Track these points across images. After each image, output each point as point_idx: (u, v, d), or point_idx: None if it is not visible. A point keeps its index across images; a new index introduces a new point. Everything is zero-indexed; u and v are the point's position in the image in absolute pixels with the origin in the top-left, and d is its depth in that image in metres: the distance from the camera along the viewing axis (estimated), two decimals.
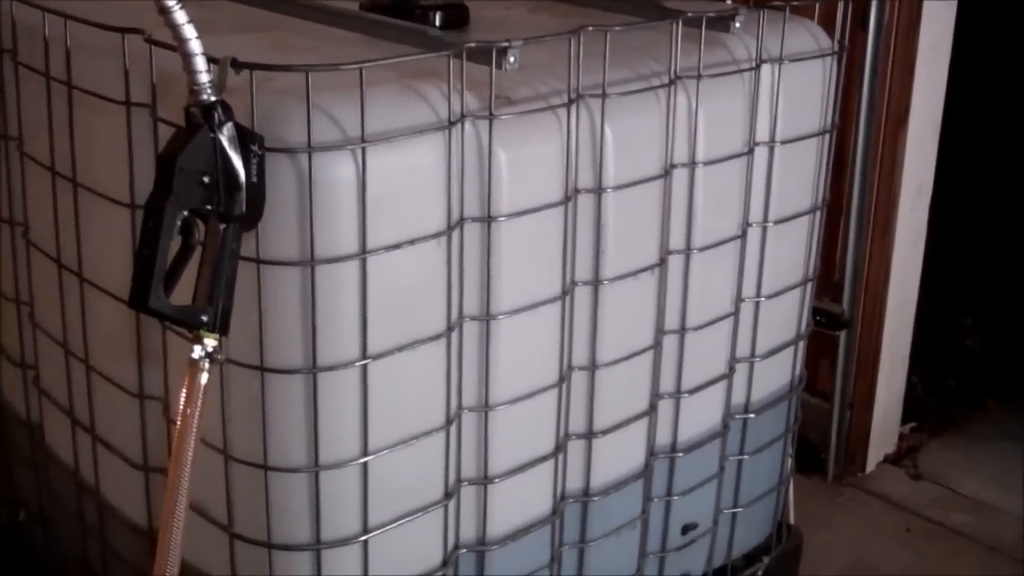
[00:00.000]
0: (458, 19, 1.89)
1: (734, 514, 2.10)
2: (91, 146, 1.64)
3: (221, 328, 1.28)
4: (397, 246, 1.44)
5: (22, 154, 1.84)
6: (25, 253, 1.90)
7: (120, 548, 1.79)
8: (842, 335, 2.69)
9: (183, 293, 1.30)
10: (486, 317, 1.56)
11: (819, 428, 2.78)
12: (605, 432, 1.78)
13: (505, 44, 1.47)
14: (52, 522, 2.03)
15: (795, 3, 1.95)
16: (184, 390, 1.28)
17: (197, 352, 1.27)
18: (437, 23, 1.85)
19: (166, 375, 1.59)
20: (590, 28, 1.56)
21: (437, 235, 1.47)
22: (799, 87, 1.93)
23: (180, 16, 1.23)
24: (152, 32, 1.44)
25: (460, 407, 1.59)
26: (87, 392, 1.77)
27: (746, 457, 2.08)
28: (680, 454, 1.93)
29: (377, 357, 1.46)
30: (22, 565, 2.14)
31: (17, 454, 2.12)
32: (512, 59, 1.47)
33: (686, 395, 1.90)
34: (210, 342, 1.28)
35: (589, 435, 1.77)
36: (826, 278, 2.56)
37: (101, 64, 1.57)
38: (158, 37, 1.41)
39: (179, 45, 1.24)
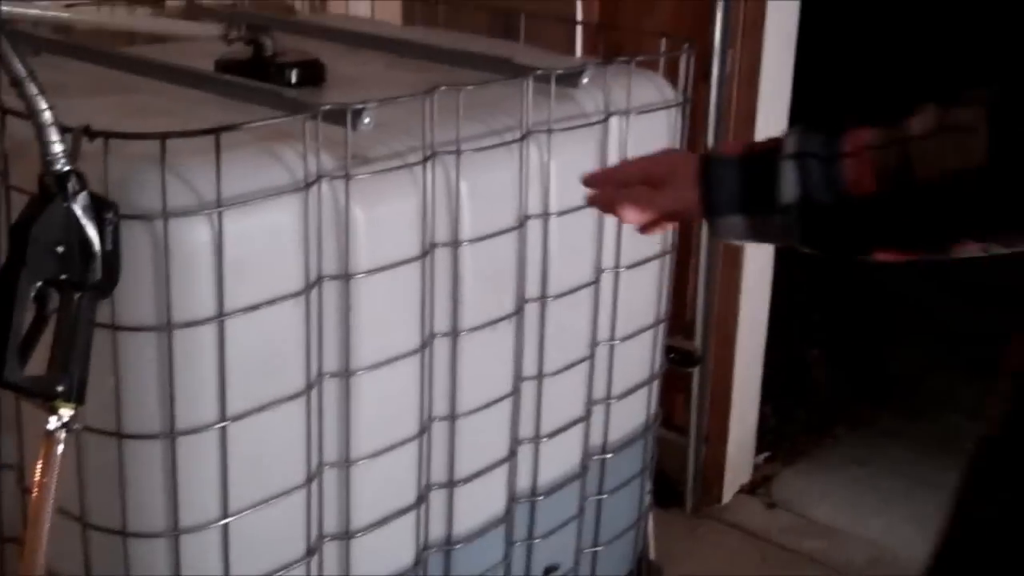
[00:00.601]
0: (314, 76, 1.92)
1: (595, 553, 2.15)
2: None
3: (77, 398, 1.28)
4: (255, 307, 1.45)
5: None
6: None
7: None
8: (696, 371, 2.78)
9: (39, 362, 1.30)
10: (346, 374, 1.59)
11: (676, 462, 2.86)
12: (466, 480, 1.82)
13: (360, 106, 1.50)
14: None
15: (640, 58, 2.02)
16: (40, 461, 1.27)
17: (53, 423, 1.27)
18: (293, 81, 1.87)
19: (21, 444, 1.57)
20: (443, 88, 1.60)
21: (295, 295, 1.49)
22: (646, 137, 2.00)
23: (32, 87, 1.23)
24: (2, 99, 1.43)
25: (321, 463, 1.61)
26: None
27: (605, 496, 2.14)
28: (540, 497, 1.98)
29: (236, 419, 1.47)
30: None
31: None
32: (367, 120, 1.50)
33: (545, 439, 1.94)
34: (66, 412, 1.27)
35: (451, 484, 1.80)
36: (679, 317, 2.64)
37: None
38: (8, 103, 1.40)
39: (32, 116, 1.25)
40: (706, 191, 1.12)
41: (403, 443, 1.70)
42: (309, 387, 1.54)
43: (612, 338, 2.04)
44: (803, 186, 1.06)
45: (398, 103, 1.59)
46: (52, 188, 1.26)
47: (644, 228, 1.21)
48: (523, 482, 1.96)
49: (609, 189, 1.24)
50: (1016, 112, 1.00)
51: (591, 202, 1.27)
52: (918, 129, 1.03)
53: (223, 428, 1.46)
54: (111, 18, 2.20)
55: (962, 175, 1.00)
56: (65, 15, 2.14)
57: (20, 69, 1.22)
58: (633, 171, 1.24)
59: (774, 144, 1.10)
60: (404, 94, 1.58)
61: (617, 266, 2.01)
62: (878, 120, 1.06)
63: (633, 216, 1.20)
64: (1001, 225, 1.03)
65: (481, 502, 1.88)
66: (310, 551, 1.62)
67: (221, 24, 1.93)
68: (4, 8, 1.98)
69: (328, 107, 1.49)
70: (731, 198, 1.11)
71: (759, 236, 1.14)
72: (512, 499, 1.94)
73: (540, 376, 1.91)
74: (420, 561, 1.79)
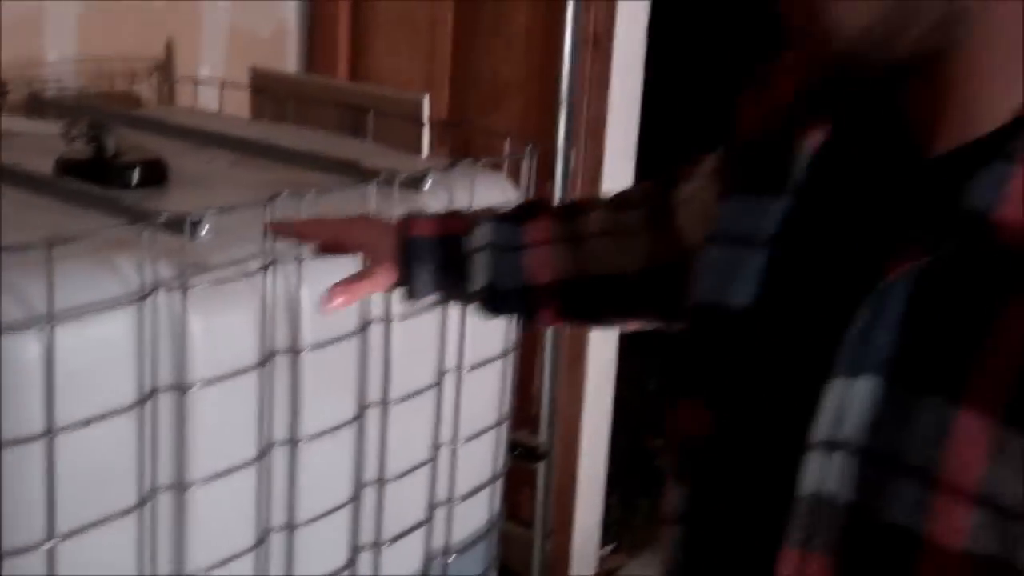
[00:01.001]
0: (157, 176, 1.90)
1: None
2: None
3: None
4: (87, 423, 1.42)
5: None
6: None
7: None
8: (541, 465, 2.81)
9: None
10: (180, 487, 1.56)
11: (522, 556, 2.87)
12: None
13: (197, 217, 1.50)
14: None
15: (484, 160, 2.07)
16: None
17: None
18: (135, 182, 1.86)
19: None
20: (285, 194, 1.61)
21: (129, 408, 1.46)
22: None
23: None
24: None
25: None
26: None
27: None
28: None
29: (66, 537, 1.43)
30: None
31: None
32: (204, 231, 1.50)
33: (386, 544, 1.94)
34: None
35: None
36: (524, 411, 2.66)
37: None
38: None
39: None
40: (407, 275, 1.19)
41: (240, 555, 1.67)
42: (142, 502, 1.51)
43: (454, 439, 2.05)
44: (490, 275, 1.16)
45: (235, 211, 1.59)
46: None
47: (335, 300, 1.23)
48: None
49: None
50: (662, 215, 1.11)
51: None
52: (594, 227, 1.14)
53: (51, 549, 1.42)
54: None
55: (624, 276, 1.13)
56: None
57: None
58: (327, 232, 1.29)
59: (466, 228, 1.18)
60: (245, 202, 1.58)
61: (460, 367, 2.03)
62: (562, 213, 1.16)
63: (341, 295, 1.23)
64: (658, 315, 1.15)
65: None
66: None
67: (61, 121, 1.90)
68: None
69: (164, 218, 1.48)
70: (428, 279, 1.19)
71: (445, 303, 1.29)
72: None
73: (381, 481, 1.91)
74: None
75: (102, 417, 1.44)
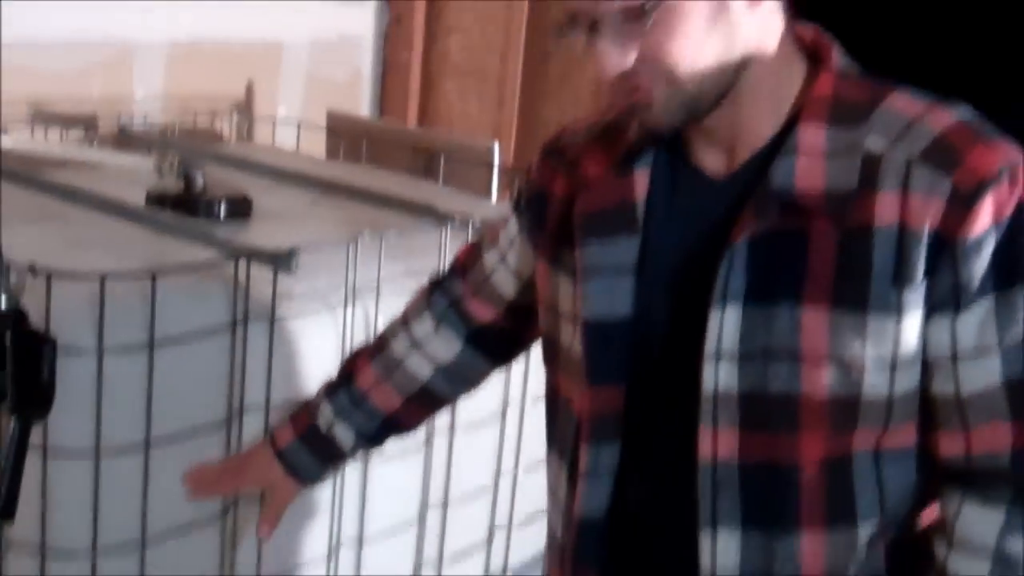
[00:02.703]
0: (242, 211, 2.03)
1: None
2: None
3: (5, 513, 1.34)
4: (179, 438, 1.54)
5: None
6: None
7: None
8: None
9: None
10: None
11: None
12: None
13: (289, 251, 1.61)
14: None
15: None
16: None
17: None
18: (222, 215, 1.98)
19: None
20: (366, 233, 1.73)
21: (217, 425, 1.58)
22: None
23: None
24: None
25: None
26: None
27: None
28: None
29: (154, 544, 1.54)
30: None
31: None
32: (294, 264, 1.61)
33: (448, 562, 2.03)
34: None
35: None
36: None
37: None
38: None
39: None
40: (296, 475, 1.38)
41: (313, 563, 1.78)
42: (225, 511, 1.62)
43: (516, 467, 2.14)
44: (354, 431, 1.36)
45: (323, 248, 1.71)
46: None
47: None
48: None
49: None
50: (462, 298, 1.35)
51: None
52: (400, 351, 1.36)
53: (142, 551, 1.54)
54: (45, 144, 2.30)
55: (453, 362, 1.36)
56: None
57: None
58: (232, 486, 1.48)
59: (312, 417, 1.37)
60: (330, 237, 1.70)
61: (524, 398, 2.13)
62: (374, 353, 1.38)
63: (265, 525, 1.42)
64: (498, 360, 1.40)
65: None
66: None
67: (152, 156, 2.04)
68: None
69: (258, 250, 1.60)
70: (316, 469, 1.39)
71: (341, 467, 1.44)
72: None
73: (445, 504, 2.00)
74: None
75: (193, 434, 1.55)
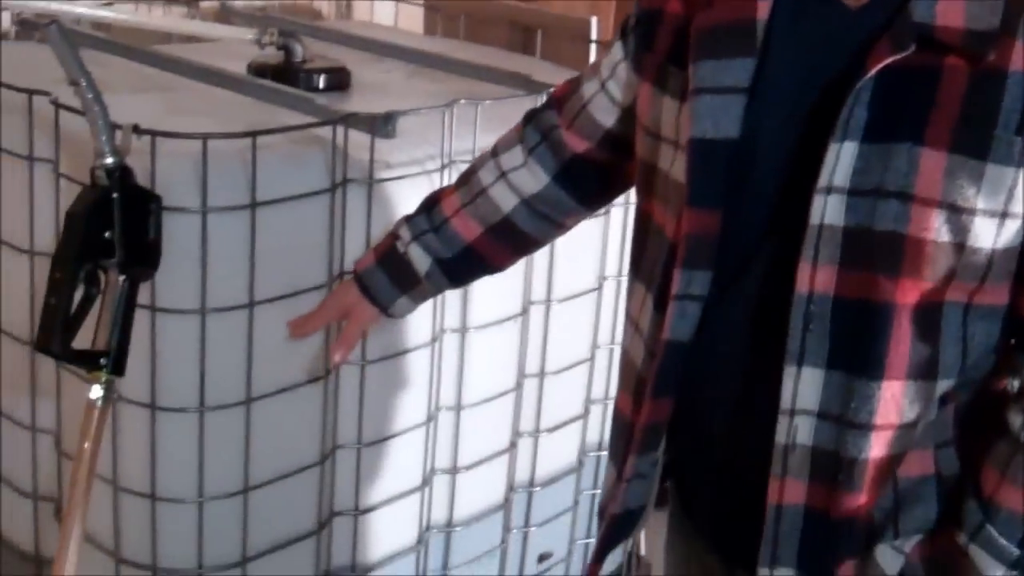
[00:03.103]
0: (340, 82, 2.04)
1: (587, 544, 2.27)
2: None
3: (116, 370, 1.40)
4: (282, 297, 1.58)
5: None
6: None
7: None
8: None
9: (85, 338, 1.42)
10: (362, 362, 1.71)
11: None
12: (468, 467, 1.94)
13: (387, 114, 1.62)
14: None
15: None
16: (82, 428, 1.39)
17: (95, 392, 1.39)
18: (321, 86, 2.00)
19: (59, 411, 1.70)
20: (463, 101, 1.73)
21: (319, 287, 1.61)
22: None
23: (90, 89, 1.35)
24: (58, 94, 1.55)
25: (335, 445, 1.73)
26: None
27: (599, 491, 2.25)
28: (538, 488, 2.09)
29: (259, 398, 1.59)
30: None
31: None
32: (391, 128, 1.62)
33: (544, 434, 2.06)
34: (107, 382, 1.39)
35: (454, 470, 1.92)
36: None
37: (9, 120, 1.67)
38: (63, 99, 1.53)
39: (87, 114, 1.37)
40: (372, 299, 1.44)
41: (412, 429, 1.82)
42: (327, 372, 1.66)
43: (612, 341, 2.15)
44: (430, 255, 1.40)
45: (419, 112, 1.72)
46: (102, 180, 1.39)
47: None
48: (522, 474, 2.08)
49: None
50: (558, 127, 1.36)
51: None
52: (486, 181, 1.39)
53: (248, 406, 1.58)
54: (149, 18, 2.33)
55: (535, 196, 1.37)
56: (104, 13, 2.27)
57: (79, 71, 1.34)
58: (324, 320, 1.55)
59: (392, 240, 1.42)
60: (427, 105, 1.70)
61: (620, 275, 2.13)
62: (460, 184, 1.42)
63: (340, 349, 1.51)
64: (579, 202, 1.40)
65: (482, 489, 2.00)
66: (321, 525, 1.74)
67: (254, 29, 2.05)
68: (44, 4, 2.11)
69: (357, 114, 1.61)
70: (389, 293, 1.43)
71: (421, 301, 1.48)
72: (511, 488, 2.05)
73: (542, 374, 2.03)
74: (422, 540, 1.91)
75: (295, 294, 1.58)
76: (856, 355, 1.05)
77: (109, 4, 2.37)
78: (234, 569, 1.65)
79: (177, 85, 1.91)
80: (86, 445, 1.39)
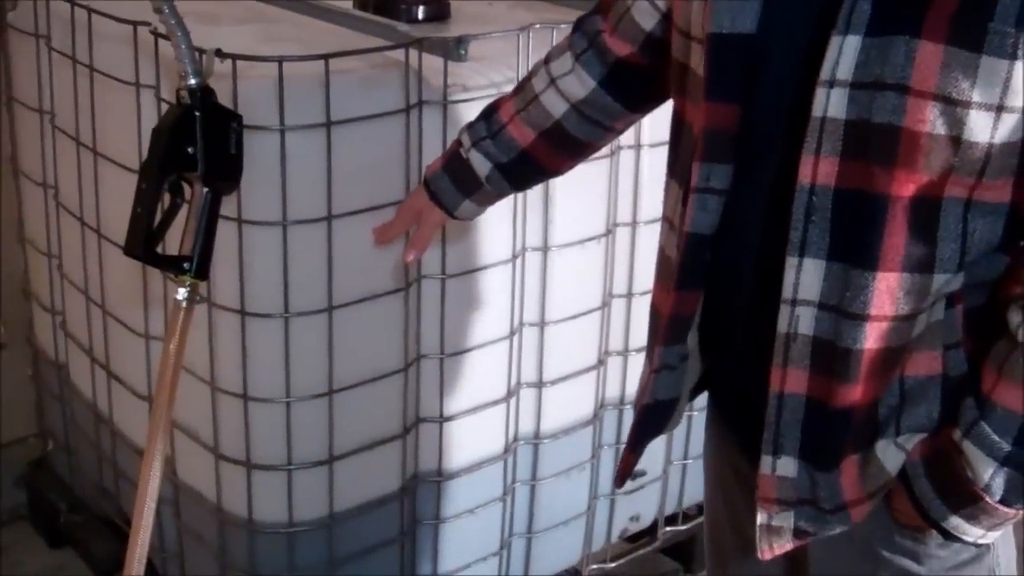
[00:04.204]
0: (440, 13, 2.12)
1: (684, 465, 2.32)
2: (108, 120, 1.90)
3: (200, 274, 1.52)
4: (360, 212, 1.68)
5: (53, 127, 2.09)
6: (55, 213, 2.16)
7: (129, 470, 2.05)
8: None
9: (173, 245, 1.55)
10: (442, 276, 1.80)
11: None
12: (554, 382, 2.01)
13: (459, 38, 1.70)
14: (75, 451, 2.30)
15: None
16: (169, 326, 1.52)
17: (181, 293, 1.51)
18: (420, 17, 2.08)
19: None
20: (537, 25, 1.79)
21: (396, 203, 1.70)
22: None
23: (172, 16, 1.46)
24: (159, 25, 1.67)
25: (419, 354, 1.83)
26: (103, 333, 2.04)
27: (696, 413, 2.29)
28: (628, 406, 2.15)
29: (340, 307, 1.70)
30: (51, 490, 2.41)
31: (47, 392, 2.39)
32: (463, 51, 1.70)
33: (633, 353, 2.12)
34: (191, 285, 1.51)
35: (539, 384, 2.00)
36: None
37: (118, 50, 1.82)
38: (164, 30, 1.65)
39: (172, 39, 1.48)
40: (438, 202, 1.53)
41: (495, 342, 1.90)
42: (408, 285, 1.76)
43: None
44: (490, 160, 1.47)
45: (504, 37, 1.78)
46: (186, 99, 1.50)
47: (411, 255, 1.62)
48: (613, 391, 2.14)
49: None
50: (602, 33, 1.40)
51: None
52: (538, 87, 1.44)
53: (330, 313, 1.70)
54: None
55: (584, 100, 1.42)
56: None
57: (160, 1, 1.45)
58: (401, 225, 1.63)
59: (456, 147, 1.50)
60: (500, 29, 1.77)
61: None
62: (516, 92, 1.48)
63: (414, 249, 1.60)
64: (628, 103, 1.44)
65: (571, 405, 2.08)
66: (406, 429, 1.84)
67: None
68: None
69: (429, 38, 1.69)
70: (453, 195, 1.51)
71: (487, 204, 1.55)
72: (601, 405, 2.12)
73: (630, 295, 2.08)
74: (509, 450, 2.00)
75: (373, 209, 1.68)
76: (854, 246, 1.08)
77: None
78: (322, 466, 1.77)
79: (279, 17, 2.03)
80: (172, 344, 1.51)
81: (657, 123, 1.98)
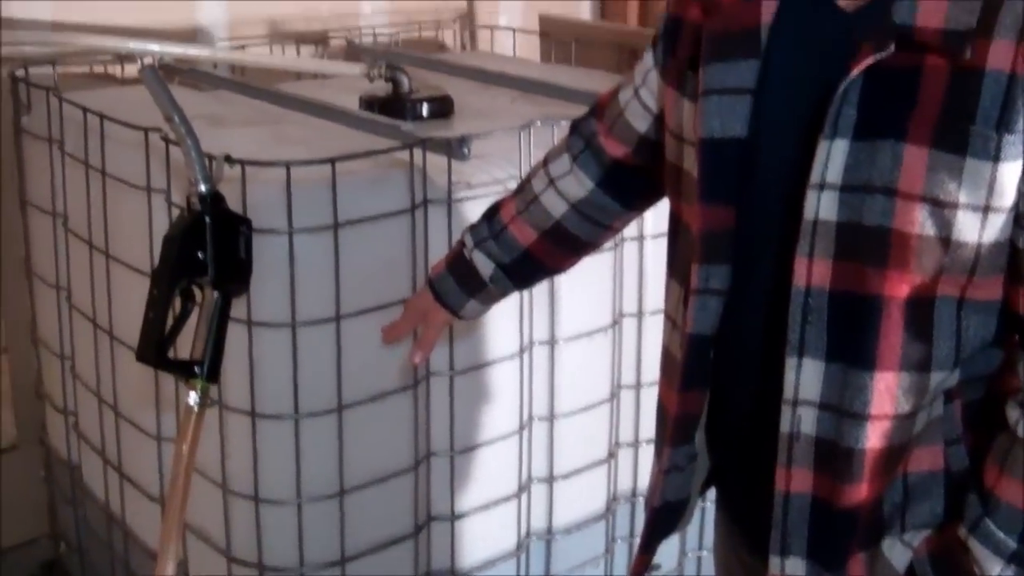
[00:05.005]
0: (444, 110, 2.16)
1: (699, 557, 2.30)
2: (120, 223, 1.92)
3: (211, 377, 1.53)
4: (368, 311, 1.69)
5: (66, 229, 2.12)
6: (68, 314, 2.18)
7: (141, 573, 2.05)
8: None
9: (184, 349, 1.57)
10: (450, 373, 1.81)
11: None
12: (566, 476, 2.01)
13: (461, 137, 1.72)
14: (87, 552, 2.30)
15: None
16: (180, 430, 1.53)
17: (192, 398, 1.53)
18: (425, 114, 2.12)
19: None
20: (538, 122, 1.81)
21: (403, 301, 1.71)
22: None
23: (182, 125, 1.49)
24: (169, 132, 1.70)
25: (429, 451, 1.83)
26: (116, 434, 2.04)
27: (709, 504, 2.28)
28: (641, 498, 2.14)
29: (350, 406, 1.71)
30: None
31: (59, 493, 2.39)
32: (466, 151, 1.72)
33: (644, 444, 2.12)
34: (202, 389, 1.53)
35: (551, 479, 2.00)
36: None
37: (130, 155, 1.85)
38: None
39: (182, 147, 1.51)
40: (443, 303, 1.53)
41: (505, 437, 1.91)
42: (417, 382, 1.77)
43: None
44: (492, 260, 1.48)
45: (504, 135, 1.81)
46: (197, 205, 1.53)
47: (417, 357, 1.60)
48: (624, 484, 2.13)
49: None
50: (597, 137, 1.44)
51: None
52: (538, 188, 1.47)
53: (339, 413, 1.70)
54: (273, 59, 2.50)
55: (582, 200, 1.44)
56: (236, 56, 2.45)
57: (172, 108, 1.49)
58: (408, 325, 1.61)
59: (459, 247, 1.52)
60: (502, 127, 1.80)
61: None
62: (517, 193, 1.50)
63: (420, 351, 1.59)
64: (624, 202, 1.47)
65: (583, 499, 2.07)
66: (418, 528, 1.84)
67: (363, 65, 2.19)
68: (183, 50, 2.30)
69: (432, 138, 1.72)
70: (458, 296, 1.52)
71: (491, 303, 1.55)
72: (613, 498, 2.11)
73: (638, 385, 2.08)
74: (522, 546, 1.99)
75: (380, 308, 1.70)
76: (851, 347, 1.09)
77: (243, 47, 2.56)
78: (335, 568, 1.77)
79: (288, 119, 2.06)
80: (184, 447, 1.52)
81: (659, 215, 2.01)
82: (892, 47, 1.05)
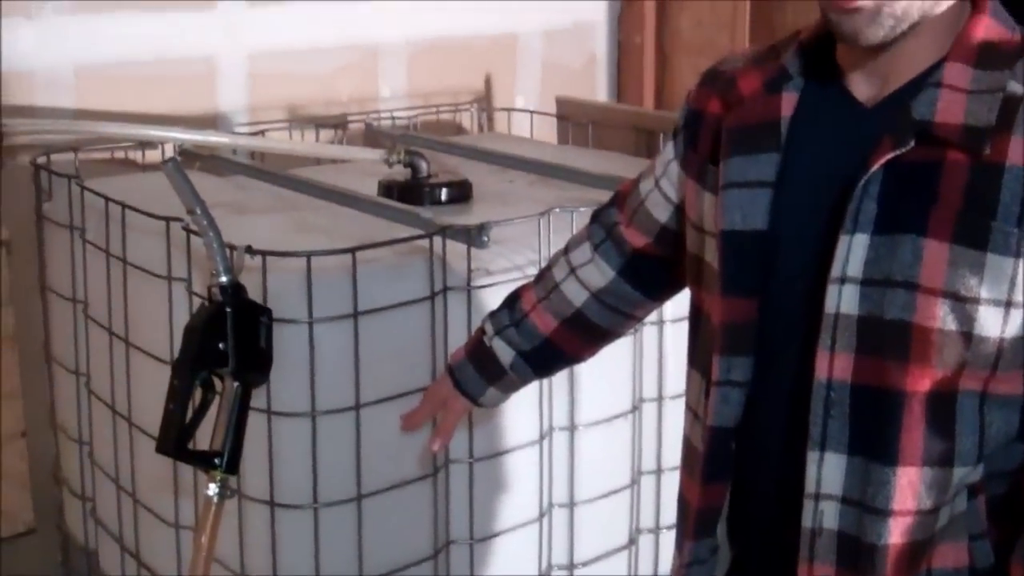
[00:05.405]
0: (462, 195, 2.18)
1: None
2: (140, 311, 1.93)
3: (231, 468, 1.53)
4: (387, 399, 1.69)
5: (86, 316, 2.13)
6: (87, 400, 2.18)
7: None
8: None
9: (205, 438, 1.56)
10: (470, 460, 1.80)
11: None
12: (586, 564, 1.99)
13: (480, 225, 1.73)
14: None
15: None
16: (200, 521, 1.52)
17: (212, 489, 1.52)
18: (443, 199, 2.14)
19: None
20: (557, 209, 1.82)
21: (423, 389, 1.71)
22: None
23: (204, 217, 1.50)
24: (190, 222, 1.72)
25: (448, 539, 1.82)
26: (134, 521, 2.03)
27: None
28: None
29: (369, 495, 1.70)
30: None
31: None
32: (486, 238, 1.73)
33: (664, 531, 2.10)
34: (221, 480, 1.52)
35: (571, 567, 1.98)
36: None
37: (151, 244, 1.86)
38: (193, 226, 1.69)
39: (204, 238, 1.52)
40: (463, 390, 1.53)
41: (525, 525, 1.89)
42: (436, 470, 1.76)
43: None
44: (512, 348, 1.48)
45: (524, 221, 1.82)
46: (218, 296, 1.53)
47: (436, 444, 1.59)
48: (644, 570, 2.11)
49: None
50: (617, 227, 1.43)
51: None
52: (558, 276, 1.47)
53: (359, 502, 1.70)
54: (292, 145, 2.52)
55: (602, 290, 1.44)
56: (256, 143, 2.48)
57: (194, 200, 1.50)
58: (427, 412, 1.61)
59: (479, 335, 1.52)
60: (521, 215, 1.81)
61: None
62: (537, 280, 1.50)
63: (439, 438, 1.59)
64: (647, 292, 1.47)
65: None
66: None
67: (382, 150, 2.21)
68: (204, 138, 2.32)
69: (452, 226, 1.73)
70: (477, 384, 1.52)
71: (511, 391, 1.55)
72: None
73: (659, 471, 2.07)
74: None
75: (401, 396, 1.70)
76: (873, 441, 1.08)
77: (262, 133, 2.58)
78: None
79: (309, 206, 2.08)
80: (203, 538, 1.51)
81: (679, 299, 2.02)
82: (912, 142, 1.06)
